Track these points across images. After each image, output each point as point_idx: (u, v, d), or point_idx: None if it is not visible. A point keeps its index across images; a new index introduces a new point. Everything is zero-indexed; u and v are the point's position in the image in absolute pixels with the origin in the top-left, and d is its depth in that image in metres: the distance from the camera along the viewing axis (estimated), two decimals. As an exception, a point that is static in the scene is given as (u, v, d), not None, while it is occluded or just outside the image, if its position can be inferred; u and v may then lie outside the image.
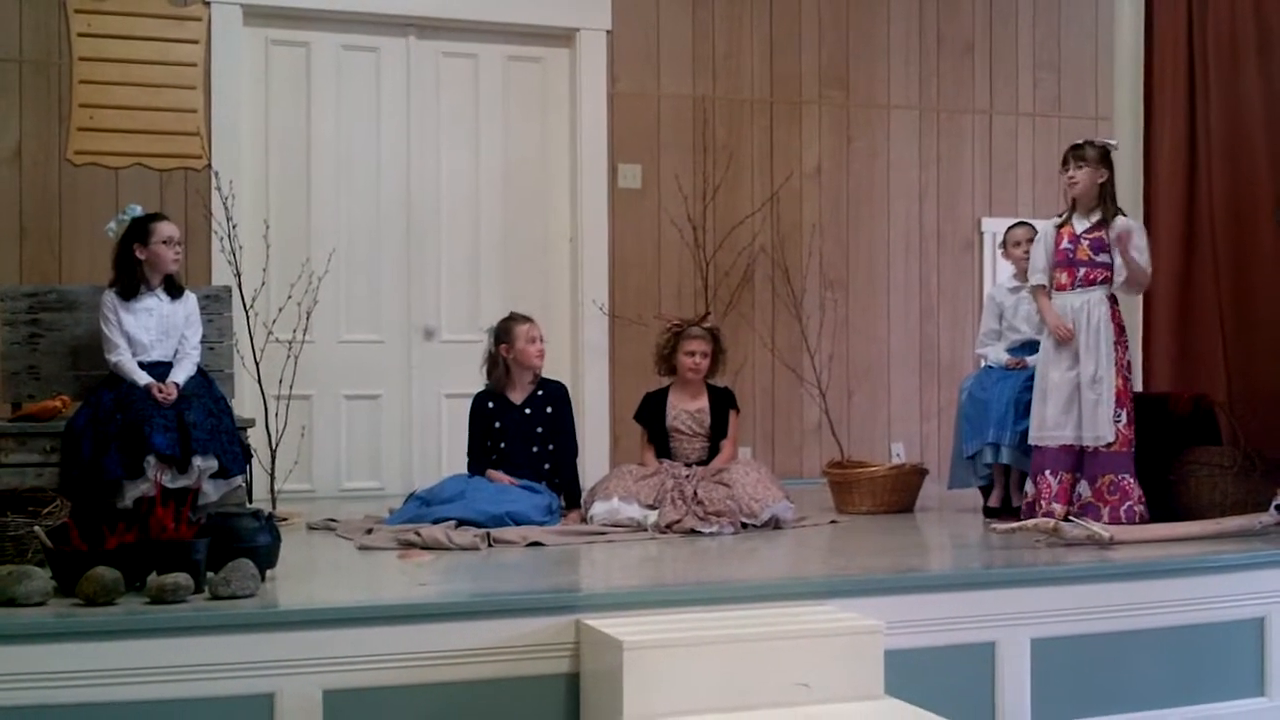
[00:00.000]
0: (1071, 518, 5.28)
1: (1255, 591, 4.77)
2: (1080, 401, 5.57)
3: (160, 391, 5.29)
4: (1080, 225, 5.66)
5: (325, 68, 7.31)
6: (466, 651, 3.90)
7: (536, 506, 5.63)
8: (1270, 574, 4.81)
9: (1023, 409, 5.84)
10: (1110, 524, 5.26)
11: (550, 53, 7.67)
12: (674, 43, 7.76)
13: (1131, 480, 5.52)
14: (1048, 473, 5.61)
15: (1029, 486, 5.73)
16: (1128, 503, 5.47)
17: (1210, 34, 6.26)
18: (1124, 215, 5.69)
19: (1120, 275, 5.59)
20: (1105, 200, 5.65)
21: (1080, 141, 5.72)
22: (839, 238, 8.06)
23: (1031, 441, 5.70)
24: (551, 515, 5.69)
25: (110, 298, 5.52)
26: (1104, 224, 5.62)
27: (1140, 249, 5.60)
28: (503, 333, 6.07)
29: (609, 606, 4.05)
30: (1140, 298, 6.32)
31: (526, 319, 6.10)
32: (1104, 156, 5.64)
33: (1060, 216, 5.76)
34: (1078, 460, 5.60)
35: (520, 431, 6.02)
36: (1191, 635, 4.66)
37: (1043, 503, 5.56)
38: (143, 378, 5.36)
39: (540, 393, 6.09)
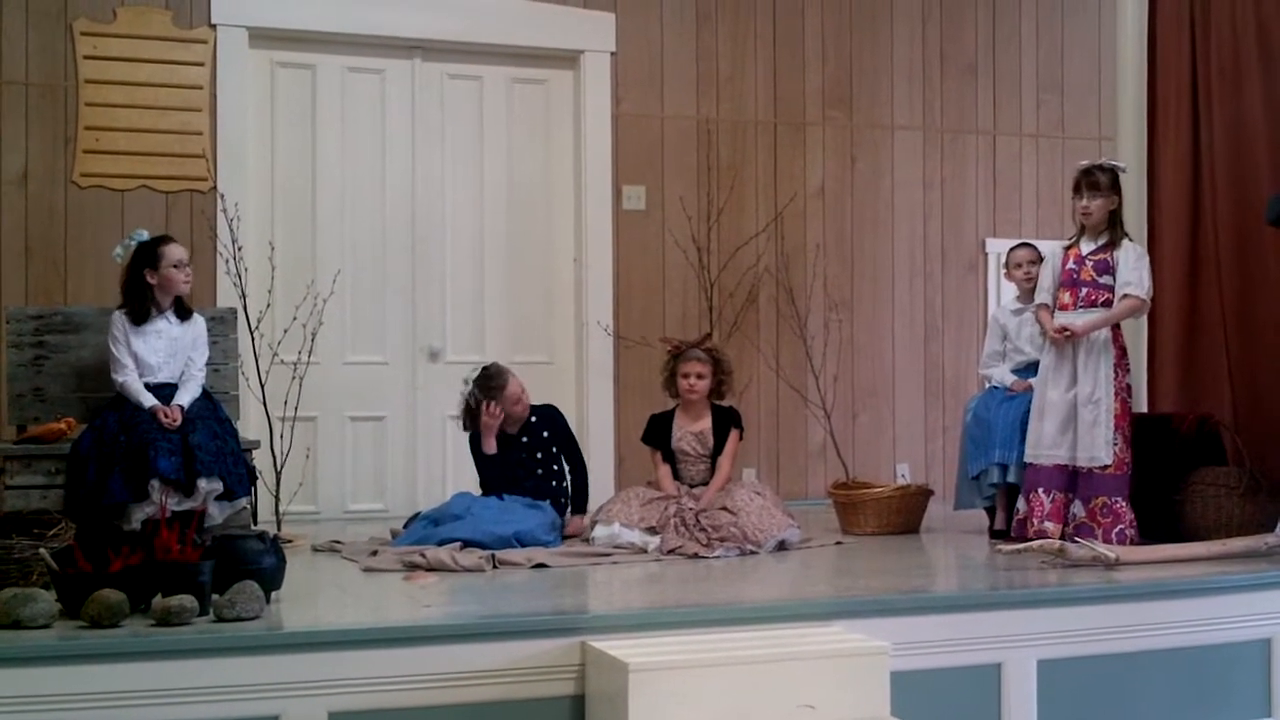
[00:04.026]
0: (1076, 539, 5.29)
1: (1261, 612, 4.77)
2: (1077, 421, 5.59)
3: (166, 416, 5.29)
4: (1087, 247, 5.71)
5: (330, 90, 7.34)
6: (472, 673, 3.90)
7: (542, 525, 5.66)
8: (1276, 595, 4.80)
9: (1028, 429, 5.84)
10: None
11: (555, 74, 7.69)
12: (678, 64, 7.78)
13: (1124, 504, 5.53)
14: (1040, 491, 5.63)
15: (1020, 504, 5.74)
16: (1119, 526, 5.49)
17: (1213, 54, 6.27)
18: (1129, 238, 5.73)
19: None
20: (1115, 225, 5.69)
21: (1090, 165, 5.73)
22: (843, 259, 8.07)
23: (1027, 459, 5.72)
24: (555, 532, 5.72)
25: (120, 318, 5.51)
26: (1110, 246, 5.65)
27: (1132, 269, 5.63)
28: (487, 398, 6.06)
29: (614, 628, 4.05)
30: (1145, 318, 6.33)
31: (504, 380, 6.06)
32: (1115, 181, 5.69)
33: (1070, 240, 5.80)
34: (1071, 480, 5.62)
35: (520, 459, 6.09)
36: (1197, 656, 4.66)
37: (1034, 521, 5.59)
38: (148, 400, 5.36)
39: (534, 419, 6.15)
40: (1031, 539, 5.39)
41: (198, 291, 6.57)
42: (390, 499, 7.33)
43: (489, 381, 6.09)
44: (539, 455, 6.12)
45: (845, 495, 6.37)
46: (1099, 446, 5.55)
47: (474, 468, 6.18)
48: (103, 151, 6.82)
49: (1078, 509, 5.59)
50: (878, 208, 8.15)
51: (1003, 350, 6.34)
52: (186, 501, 5.15)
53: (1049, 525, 5.54)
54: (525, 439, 6.14)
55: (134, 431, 5.21)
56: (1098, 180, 5.67)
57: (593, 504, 6.22)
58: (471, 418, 6.13)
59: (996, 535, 5.98)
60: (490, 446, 6.07)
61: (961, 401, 7.03)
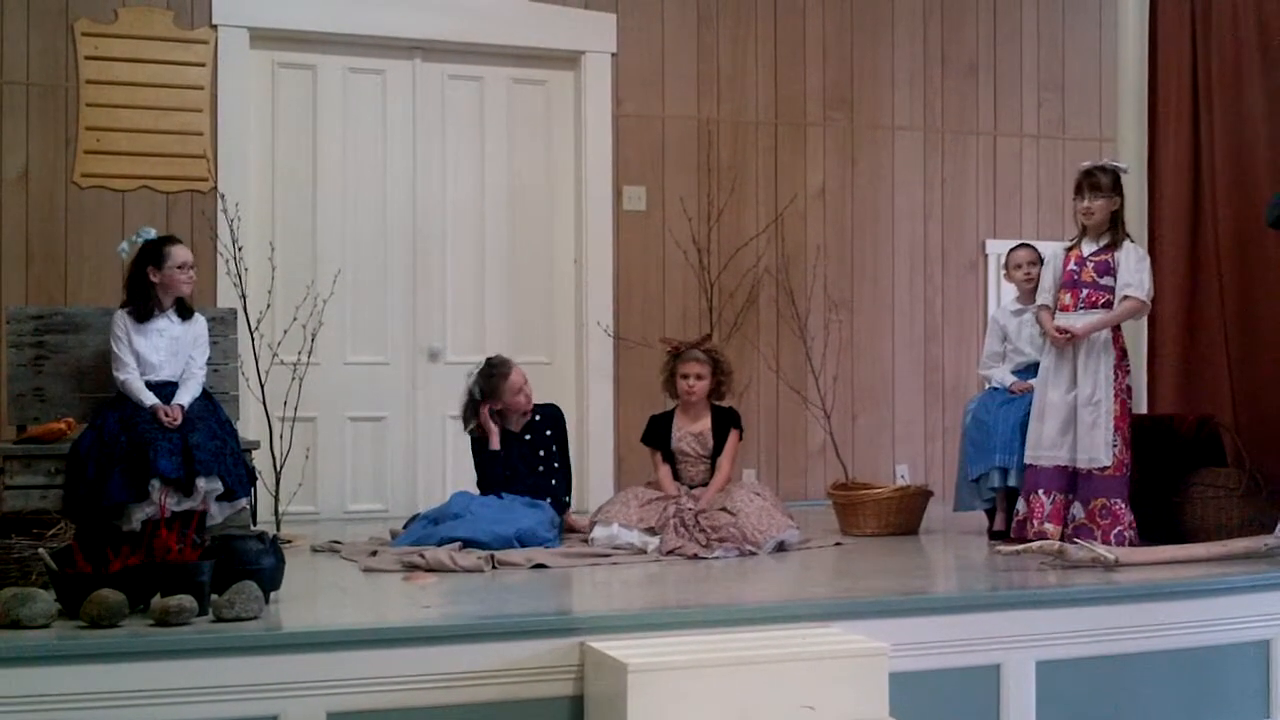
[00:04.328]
0: (1075, 540, 5.29)
1: (1261, 614, 4.76)
2: (1076, 423, 5.59)
3: (166, 415, 5.29)
4: (1088, 248, 5.71)
5: (331, 90, 7.34)
6: (471, 674, 3.89)
7: (542, 522, 5.67)
8: (1276, 596, 4.79)
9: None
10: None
11: (555, 75, 7.69)
12: (678, 65, 7.78)
13: (1123, 505, 5.53)
14: (1040, 492, 5.64)
15: (1020, 505, 5.74)
16: (1118, 528, 5.48)
17: (1214, 55, 6.27)
18: (1131, 240, 5.73)
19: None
20: (1116, 226, 5.69)
21: (1092, 167, 5.72)
22: (843, 259, 8.07)
23: (1027, 460, 5.72)
24: (555, 530, 5.74)
25: (122, 317, 5.53)
26: (1112, 248, 5.65)
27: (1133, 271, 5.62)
28: (489, 392, 6.08)
29: (613, 629, 4.04)
30: (1145, 319, 6.32)
31: (507, 369, 6.10)
32: (1116, 182, 5.68)
33: (1071, 241, 5.80)
34: (1071, 481, 5.61)
35: (522, 455, 6.09)
36: (1197, 658, 4.66)
37: (1034, 522, 5.59)
38: (149, 399, 5.37)
39: (538, 418, 6.15)
40: (1031, 540, 5.39)
41: (199, 292, 6.57)
42: (390, 499, 7.33)
43: (492, 370, 6.10)
44: (540, 453, 6.12)
45: (845, 496, 6.37)
46: (1098, 448, 5.55)
47: (472, 466, 6.18)
48: (104, 152, 6.82)
49: (1077, 510, 5.59)
50: (878, 208, 8.15)
51: (1002, 351, 6.34)
52: (186, 501, 5.16)
53: (1049, 527, 5.54)
54: (528, 436, 6.14)
55: (134, 431, 5.22)
56: (1099, 181, 5.67)
57: (586, 504, 6.24)
58: (474, 411, 6.13)
59: (995, 536, 5.97)
60: (496, 444, 6.07)
61: (961, 402, 7.03)
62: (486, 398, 6.10)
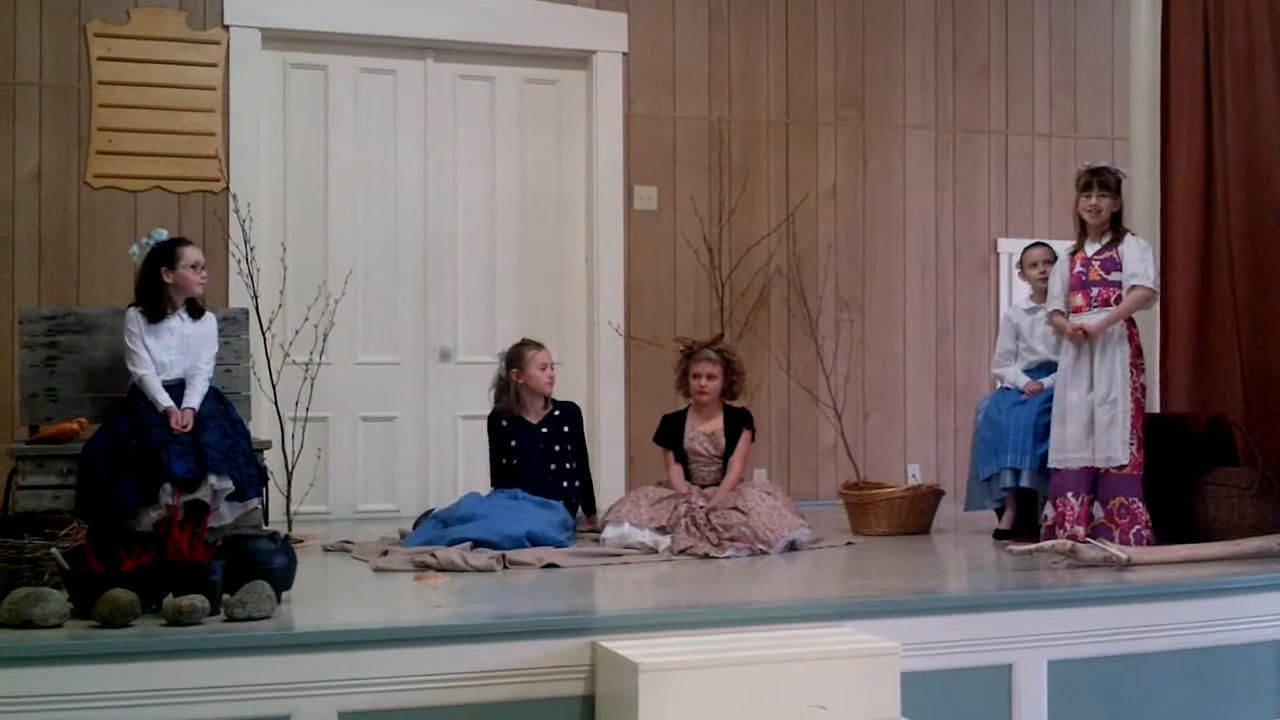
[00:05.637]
0: (1088, 539, 5.28)
1: (1273, 613, 4.75)
2: (1094, 422, 5.58)
3: (177, 421, 5.29)
4: (1091, 248, 5.72)
5: (343, 90, 7.35)
6: (482, 673, 3.90)
7: (553, 523, 5.65)
8: (1288, 596, 4.79)
9: (1041, 432, 5.82)
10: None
11: (567, 75, 7.70)
12: (690, 64, 7.78)
13: (1141, 504, 5.52)
14: (1070, 494, 5.61)
15: (1049, 509, 5.72)
16: (1136, 526, 5.48)
17: (1226, 53, 6.25)
18: (1132, 233, 5.75)
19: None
20: (1116, 225, 5.73)
21: (1098, 166, 5.73)
22: (855, 258, 8.06)
23: (1052, 464, 5.70)
24: (567, 532, 5.72)
25: (136, 315, 5.54)
26: (1114, 244, 5.67)
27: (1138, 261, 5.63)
28: (515, 358, 6.12)
29: (624, 628, 4.05)
30: (1157, 318, 6.31)
31: (538, 345, 6.15)
32: (1119, 184, 5.71)
33: (1073, 245, 5.81)
34: (1092, 481, 5.60)
35: (538, 449, 6.07)
36: (1209, 657, 4.65)
37: (1067, 525, 5.55)
38: (164, 400, 5.37)
39: (557, 413, 6.15)
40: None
41: (211, 292, 6.59)
42: (401, 499, 7.33)
43: (525, 342, 6.16)
44: (555, 449, 6.10)
45: (856, 496, 6.36)
46: (1115, 446, 5.54)
47: (481, 462, 6.18)
48: (116, 152, 6.84)
49: (1096, 510, 5.58)
50: (890, 207, 8.14)
51: (1015, 349, 6.34)
52: (194, 495, 5.17)
53: (1080, 530, 5.49)
54: (545, 430, 6.12)
55: (145, 435, 5.23)
56: (1108, 180, 5.70)
57: (598, 504, 6.24)
58: (501, 388, 6.15)
59: (1001, 536, 5.96)
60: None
61: (973, 402, 7.02)
62: (511, 364, 6.11)
